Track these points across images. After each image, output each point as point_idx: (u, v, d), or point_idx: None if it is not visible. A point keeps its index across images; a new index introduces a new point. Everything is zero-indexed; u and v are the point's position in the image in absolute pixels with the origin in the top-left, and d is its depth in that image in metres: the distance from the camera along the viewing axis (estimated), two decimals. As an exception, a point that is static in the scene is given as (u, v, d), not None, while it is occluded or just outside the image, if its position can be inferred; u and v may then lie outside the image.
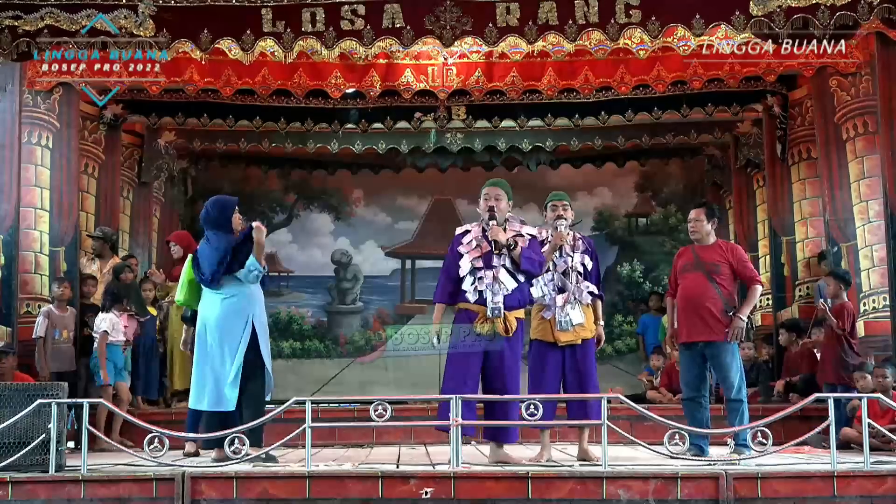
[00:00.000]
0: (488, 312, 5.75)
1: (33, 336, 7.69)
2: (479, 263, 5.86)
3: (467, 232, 6.03)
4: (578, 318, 6.06)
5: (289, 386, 10.15)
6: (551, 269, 6.14)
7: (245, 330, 5.87)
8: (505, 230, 5.90)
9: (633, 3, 6.70)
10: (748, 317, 6.18)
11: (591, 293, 6.19)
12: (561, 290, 6.11)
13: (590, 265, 6.24)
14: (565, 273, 6.14)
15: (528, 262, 5.87)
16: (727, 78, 8.77)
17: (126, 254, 9.79)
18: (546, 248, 6.13)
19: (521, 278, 5.88)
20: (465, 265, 5.89)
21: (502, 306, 5.75)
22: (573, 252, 6.18)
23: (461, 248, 5.95)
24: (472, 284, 5.85)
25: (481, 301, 5.79)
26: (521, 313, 5.94)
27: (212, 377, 5.87)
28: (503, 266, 5.82)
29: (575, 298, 6.09)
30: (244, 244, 5.92)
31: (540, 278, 6.10)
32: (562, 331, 6.03)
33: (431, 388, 8.29)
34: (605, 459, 4.92)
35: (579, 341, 6.09)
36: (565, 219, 6.23)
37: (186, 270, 6.11)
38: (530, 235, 6.00)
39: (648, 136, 10.74)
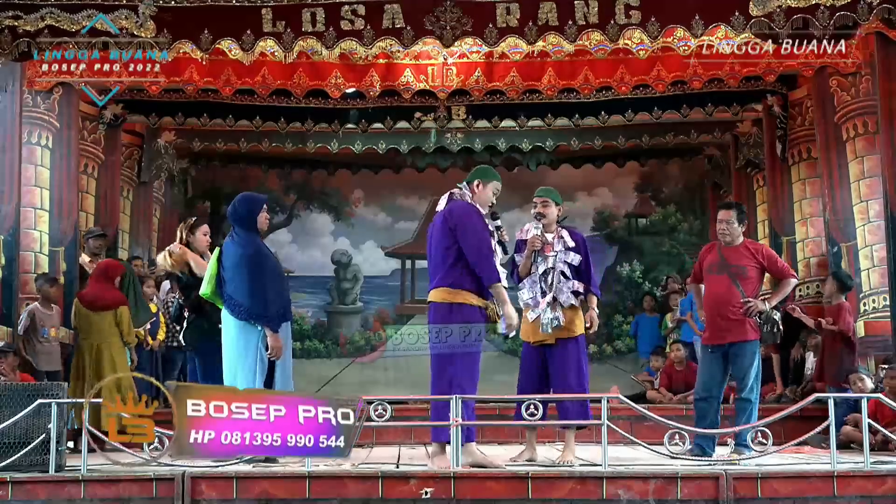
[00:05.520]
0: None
1: (18, 332, 7.54)
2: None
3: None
4: (553, 320, 5.83)
5: (289, 386, 10.15)
6: (533, 271, 5.95)
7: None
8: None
9: (633, 3, 6.71)
10: (776, 318, 6.09)
11: (577, 293, 5.92)
12: (544, 293, 5.90)
13: (576, 261, 5.94)
14: (546, 273, 5.92)
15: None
16: (727, 78, 8.77)
17: (129, 255, 9.79)
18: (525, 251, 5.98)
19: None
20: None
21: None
22: (554, 251, 5.93)
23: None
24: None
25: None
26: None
27: (251, 381, 5.60)
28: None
29: (554, 300, 5.87)
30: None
31: (526, 280, 6.00)
32: (542, 332, 5.88)
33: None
34: (605, 459, 4.91)
35: (552, 341, 5.86)
36: (543, 215, 5.99)
37: (213, 264, 5.89)
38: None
39: (648, 136, 10.77)
